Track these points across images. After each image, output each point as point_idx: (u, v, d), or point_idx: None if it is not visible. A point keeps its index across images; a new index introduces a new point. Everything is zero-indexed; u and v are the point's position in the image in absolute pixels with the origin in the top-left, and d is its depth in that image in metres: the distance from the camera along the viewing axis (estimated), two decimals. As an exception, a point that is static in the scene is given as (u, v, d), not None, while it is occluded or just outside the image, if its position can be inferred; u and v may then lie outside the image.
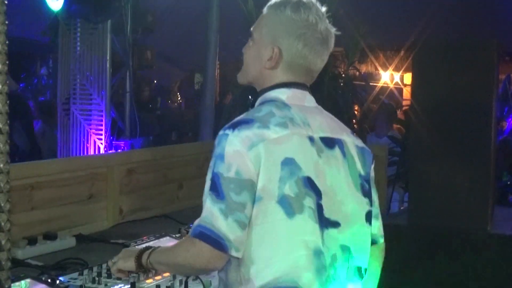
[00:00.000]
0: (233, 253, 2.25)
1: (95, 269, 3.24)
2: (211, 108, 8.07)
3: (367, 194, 2.47)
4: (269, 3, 2.53)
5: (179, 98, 14.24)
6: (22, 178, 3.94)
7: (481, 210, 4.92)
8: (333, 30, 2.51)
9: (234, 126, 2.31)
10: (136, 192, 4.79)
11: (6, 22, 1.30)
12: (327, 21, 2.49)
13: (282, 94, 2.44)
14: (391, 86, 12.50)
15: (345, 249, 2.37)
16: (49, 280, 2.99)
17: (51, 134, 8.21)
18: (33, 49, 13.49)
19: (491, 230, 5.03)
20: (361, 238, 2.44)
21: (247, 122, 2.32)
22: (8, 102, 1.33)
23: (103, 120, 7.36)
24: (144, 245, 2.69)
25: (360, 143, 2.53)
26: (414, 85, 5.29)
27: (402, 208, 6.00)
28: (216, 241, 2.24)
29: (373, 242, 2.56)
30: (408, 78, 14.39)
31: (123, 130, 7.57)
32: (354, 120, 7.08)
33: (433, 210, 4.95)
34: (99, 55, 7.34)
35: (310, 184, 2.29)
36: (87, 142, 7.41)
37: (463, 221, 4.89)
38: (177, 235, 3.95)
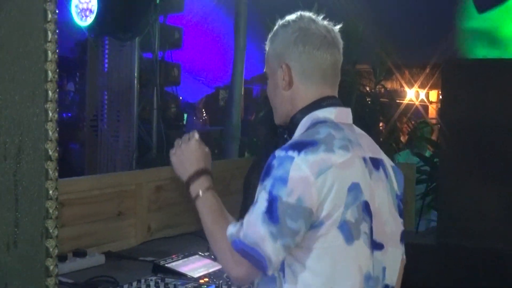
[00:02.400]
0: (270, 272, 2.21)
1: (125, 287, 3.25)
2: (237, 125, 8.08)
3: (401, 214, 2.46)
4: None
5: (204, 115, 14.27)
6: (53, 195, 3.95)
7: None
8: (334, 26, 2.45)
9: (299, 149, 2.20)
10: (164, 209, 4.81)
11: (57, 51, 1.32)
12: (324, 22, 2.44)
13: (330, 114, 2.37)
14: (417, 103, 12.45)
15: (384, 270, 2.35)
16: (80, 298, 3.00)
17: (78, 150, 8.26)
18: (60, 66, 13.59)
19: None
20: (395, 258, 2.42)
21: (312, 145, 2.22)
22: (58, 129, 1.35)
23: (131, 137, 7.38)
24: (201, 168, 2.49)
25: (391, 162, 2.51)
26: (442, 103, 5.26)
27: (430, 227, 5.97)
28: (258, 262, 2.17)
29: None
30: (433, 95, 14.34)
31: (150, 147, 7.59)
32: (381, 139, 7.07)
33: (462, 229, 4.90)
34: (126, 72, 7.38)
35: (366, 208, 2.27)
36: (115, 159, 7.44)
37: (492, 241, 4.84)
38: (206, 253, 3.96)
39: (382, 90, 8.17)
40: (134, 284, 3.30)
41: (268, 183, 2.18)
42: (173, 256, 3.81)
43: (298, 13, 2.45)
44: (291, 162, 2.17)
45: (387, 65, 6.93)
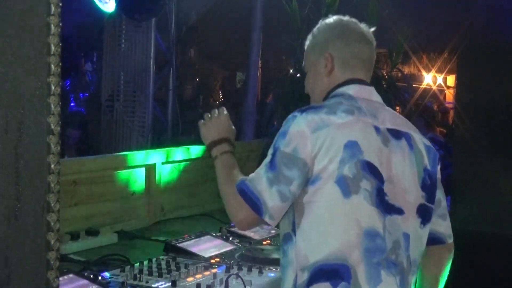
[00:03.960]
0: (267, 219, 2.40)
1: (136, 266, 3.26)
2: (253, 107, 8.08)
3: (426, 188, 2.54)
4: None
5: (220, 96, 14.27)
6: (66, 174, 3.97)
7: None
8: (369, 29, 2.71)
9: (303, 110, 2.45)
10: (178, 189, 4.82)
11: (60, 24, 1.31)
12: (361, 24, 2.71)
13: (349, 89, 2.57)
14: (434, 88, 12.39)
15: (406, 237, 2.46)
16: (91, 276, 3.02)
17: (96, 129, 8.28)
18: (78, 47, 13.63)
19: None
20: (416, 229, 2.52)
21: (315, 108, 2.48)
22: (60, 103, 1.35)
23: (146, 117, 7.40)
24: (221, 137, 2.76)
25: (428, 142, 2.63)
26: (458, 88, 5.24)
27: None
28: (254, 204, 2.40)
29: (441, 242, 2.69)
30: (451, 80, 14.26)
31: (165, 128, 7.61)
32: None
33: (476, 215, 4.89)
34: (143, 52, 7.38)
35: (370, 168, 2.40)
36: (130, 139, 7.46)
37: (507, 226, 4.82)
38: (218, 234, 3.97)
39: (399, 74, 8.13)
40: (146, 263, 3.30)
41: (275, 139, 2.46)
42: (185, 236, 3.81)
43: (337, 16, 2.72)
44: (293, 120, 2.43)
45: (404, 49, 6.87)
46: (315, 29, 2.74)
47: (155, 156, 4.65)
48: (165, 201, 4.69)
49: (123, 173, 4.41)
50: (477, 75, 5.03)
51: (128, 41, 7.50)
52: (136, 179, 4.48)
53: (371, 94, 2.59)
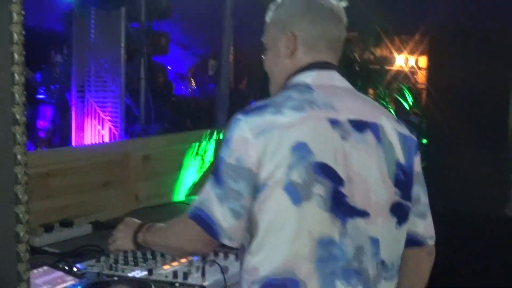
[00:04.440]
0: (226, 241, 2.20)
1: (112, 256, 3.24)
2: (226, 94, 8.02)
3: (400, 184, 2.27)
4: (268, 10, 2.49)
5: (193, 84, 14.20)
6: (39, 166, 3.94)
7: (500, 194, 4.86)
8: (339, 3, 2.42)
9: (247, 111, 2.22)
10: (152, 178, 4.80)
11: (23, 12, 1.28)
12: None
13: (307, 77, 2.31)
14: (406, 70, 12.38)
15: (374, 242, 2.22)
16: (66, 268, 2.99)
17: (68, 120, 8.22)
18: (48, 39, 13.51)
19: (509, 213, 4.98)
20: (389, 230, 2.27)
21: (260, 108, 2.22)
22: (25, 92, 1.32)
23: (118, 108, 7.34)
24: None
25: (404, 130, 2.34)
26: (430, 70, 5.24)
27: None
28: (210, 227, 2.18)
29: (419, 243, 2.41)
30: (422, 61, 14.28)
31: (138, 117, 7.56)
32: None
33: (451, 195, 4.90)
34: (113, 42, 7.31)
35: (323, 170, 2.15)
36: (102, 130, 7.41)
37: (481, 205, 4.85)
38: (194, 221, 3.94)
39: (372, 57, 8.13)
40: (121, 253, 3.28)
41: (220, 147, 2.25)
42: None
43: None
44: (236, 124, 2.20)
45: (376, 31, 6.87)
46: (278, 2, 2.43)
47: (128, 146, 4.63)
48: (139, 191, 4.66)
49: (96, 164, 4.37)
50: (449, 57, 5.03)
51: (98, 32, 7.42)
52: (110, 169, 4.45)
53: (333, 79, 2.32)
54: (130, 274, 3.01)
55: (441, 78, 5.05)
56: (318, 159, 2.15)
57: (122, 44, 7.28)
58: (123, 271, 3.04)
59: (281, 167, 2.13)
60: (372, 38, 7.04)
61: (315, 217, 2.14)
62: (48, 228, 3.82)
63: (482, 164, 4.86)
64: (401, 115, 7.71)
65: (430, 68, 5.27)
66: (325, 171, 2.15)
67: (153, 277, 2.99)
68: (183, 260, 3.19)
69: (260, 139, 2.14)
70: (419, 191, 2.37)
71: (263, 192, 2.14)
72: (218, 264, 3.03)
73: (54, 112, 7.60)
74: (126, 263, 3.15)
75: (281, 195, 2.13)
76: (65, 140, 7.86)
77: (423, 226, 2.40)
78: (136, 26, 7.52)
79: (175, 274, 2.97)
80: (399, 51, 12.38)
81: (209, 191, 2.20)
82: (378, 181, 2.23)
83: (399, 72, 11.31)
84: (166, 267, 3.11)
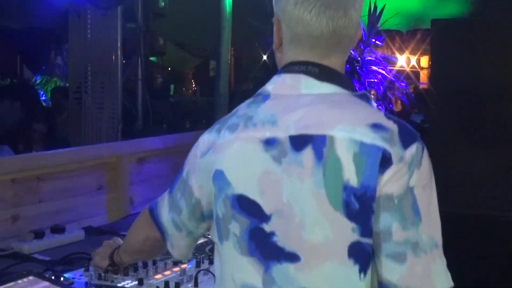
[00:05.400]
0: (169, 247, 2.15)
1: (102, 263, 3.12)
2: (224, 95, 7.92)
3: (355, 216, 1.72)
4: None
5: (193, 85, 14.11)
6: (29, 170, 3.87)
7: (505, 196, 4.73)
8: None
9: (214, 123, 2.01)
10: (148, 181, 4.69)
11: None
12: None
13: (271, 84, 1.91)
14: (408, 69, 12.27)
15: None
16: (53, 277, 2.87)
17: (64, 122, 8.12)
18: (48, 40, 13.46)
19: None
20: (337, 282, 1.75)
21: (217, 123, 1.98)
22: None
23: (116, 109, 7.23)
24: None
25: (369, 139, 1.73)
26: (432, 67, 5.11)
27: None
28: (159, 226, 2.15)
29: None
30: (424, 61, 14.18)
31: (136, 118, 7.45)
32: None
33: (454, 197, 4.77)
34: (110, 42, 7.20)
35: (242, 204, 1.82)
36: (100, 131, 7.29)
37: (485, 208, 4.71)
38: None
39: (374, 57, 8.04)
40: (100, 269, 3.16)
41: None
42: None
43: None
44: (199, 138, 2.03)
45: (377, 29, 6.77)
46: None
47: (122, 148, 4.52)
48: (134, 194, 4.55)
49: (89, 167, 4.27)
50: (451, 53, 4.90)
51: (95, 31, 7.30)
52: (103, 172, 4.34)
53: (298, 85, 1.85)
54: (120, 284, 2.90)
55: (443, 76, 4.91)
56: (236, 191, 1.83)
57: (119, 44, 7.15)
58: (112, 281, 2.92)
59: (210, 196, 1.93)
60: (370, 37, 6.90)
61: (233, 260, 1.86)
62: (39, 235, 3.70)
63: (487, 165, 4.72)
64: (404, 115, 7.62)
65: (432, 66, 5.11)
66: (244, 206, 1.82)
67: (144, 287, 2.88)
68: (176, 269, 3.07)
69: (202, 159, 1.95)
70: (391, 222, 1.72)
71: (209, 221, 2.00)
72: (211, 273, 2.92)
73: (48, 114, 7.48)
74: (115, 272, 3.02)
75: (214, 227, 1.94)
76: (63, 142, 7.76)
77: (399, 273, 1.74)
78: (133, 26, 7.40)
79: (166, 284, 2.85)
80: (401, 51, 12.30)
81: (166, 194, 2.15)
82: (314, 214, 1.74)
83: (400, 72, 11.23)
84: (158, 276, 3.00)
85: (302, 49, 1.88)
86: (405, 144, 1.74)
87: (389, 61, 12.91)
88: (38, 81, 13.90)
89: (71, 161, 4.18)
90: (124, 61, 7.33)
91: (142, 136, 6.72)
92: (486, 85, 4.72)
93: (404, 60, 12.76)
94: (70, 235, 3.85)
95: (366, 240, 1.72)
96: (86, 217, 4.19)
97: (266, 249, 1.79)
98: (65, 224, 3.91)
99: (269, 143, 1.80)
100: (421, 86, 10.57)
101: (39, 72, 15.16)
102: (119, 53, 7.20)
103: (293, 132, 1.78)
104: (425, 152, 1.78)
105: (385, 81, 7.67)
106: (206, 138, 1.96)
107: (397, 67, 12.23)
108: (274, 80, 1.91)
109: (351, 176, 1.71)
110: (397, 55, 12.48)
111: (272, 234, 1.78)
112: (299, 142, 1.77)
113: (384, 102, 7.96)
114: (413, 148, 1.75)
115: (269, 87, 1.90)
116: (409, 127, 1.80)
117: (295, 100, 1.83)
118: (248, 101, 1.93)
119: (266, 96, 1.88)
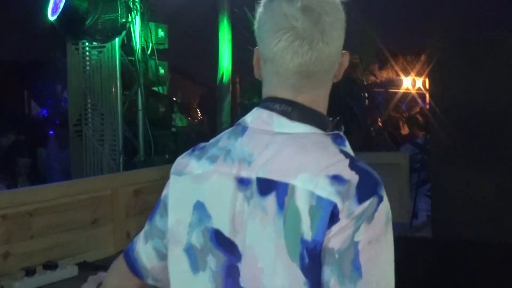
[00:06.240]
0: (151, 282, 2.04)
1: (91, 302, 3.00)
2: (227, 123, 7.87)
3: (307, 270, 1.66)
4: None
5: (199, 115, 14.03)
6: (20, 205, 3.80)
7: (509, 220, 4.58)
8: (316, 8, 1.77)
9: (192, 149, 1.95)
10: (144, 214, 4.57)
11: None
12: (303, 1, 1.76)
13: (250, 116, 1.85)
14: (413, 91, 12.18)
15: None
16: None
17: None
18: (55, 73, 13.49)
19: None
20: None
21: (197, 148, 1.93)
22: None
23: (116, 140, 7.15)
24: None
25: (326, 193, 1.66)
26: (432, 87, 5.00)
27: (428, 218, 5.72)
28: (134, 265, 2.03)
29: None
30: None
31: (137, 150, 7.36)
32: (372, 129, 6.81)
33: (457, 221, 4.63)
34: (108, 73, 7.14)
35: (218, 239, 1.78)
36: (101, 164, 7.21)
37: (488, 232, 4.56)
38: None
39: (374, 79, 7.97)
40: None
41: None
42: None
43: None
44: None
45: (376, 49, 6.69)
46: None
47: (116, 180, 4.44)
48: (130, 227, 4.45)
49: (83, 200, 4.19)
50: (450, 72, 4.80)
51: (93, 63, 7.25)
52: (98, 205, 4.26)
53: (270, 122, 1.79)
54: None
55: (444, 96, 4.79)
56: (215, 225, 1.79)
57: (118, 75, 7.09)
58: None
59: (183, 224, 1.85)
60: (373, 59, 6.82)
61: None
62: (30, 272, 3.63)
63: (491, 188, 4.59)
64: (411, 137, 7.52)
65: (432, 85, 5.01)
66: (220, 241, 1.78)
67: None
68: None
69: (175, 181, 1.90)
70: (330, 277, 1.64)
71: (168, 245, 1.90)
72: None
73: (30, 147, 7.43)
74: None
75: (182, 256, 1.85)
76: (66, 175, 7.72)
77: None
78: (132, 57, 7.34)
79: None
80: (406, 73, 12.20)
81: (144, 228, 2.05)
82: (274, 262, 1.69)
83: (406, 94, 11.14)
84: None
85: (276, 85, 1.83)
86: (360, 199, 1.66)
87: (394, 83, 12.86)
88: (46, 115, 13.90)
89: (64, 195, 4.11)
90: (124, 92, 7.25)
91: (144, 167, 6.64)
92: (486, 103, 4.60)
93: (409, 82, 12.69)
94: (63, 271, 3.79)
95: None
96: (81, 252, 4.11)
97: (225, 284, 1.78)
98: (58, 260, 3.83)
99: (243, 182, 1.77)
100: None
101: (45, 107, 15.19)
102: (118, 84, 7.13)
103: (261, 174, 1.74)
104: (382, 206, 1.68)
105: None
106: (184, 160, 1.91)
107: (402, 90, 12.18)
108: (253, 113, 1.85)
109: (306, 229, 1.66)
110: (402, 77, 12.44)
111: (239, 273, 1.76)
112: (264, 186, 1.73)
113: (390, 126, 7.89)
114: (367, 203, 1.66)
115: (248, 119, 1.85)
116: (372, 178, 1.71)
117: (269, 138, 1.78)
118: (229, 130, 1.89)
119: (245, 129, 1.83)
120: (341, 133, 1.82)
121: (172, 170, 1.92)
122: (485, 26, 7.45)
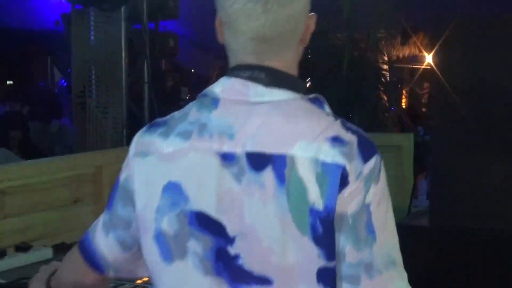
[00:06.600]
0: (111, 273, 1.88)
1: None
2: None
3: (320, 240, 1.59)
4: None
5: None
6: (-7, 183, 3.60)
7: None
8: None
9: (148, 125, 1.80)
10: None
11: None
12: None
13: (218, 86, 1.69)
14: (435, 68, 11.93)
15: None
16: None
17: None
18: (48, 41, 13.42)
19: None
20: None
21: (158, 125, 1.76)
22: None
23: (121, 114, 7.00)
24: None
25: (330, 157, 1.59)
26: (441, 67, 4.72)
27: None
28: (92, 261, 1.87)
29: None
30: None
31: (142, 124, 7.20)
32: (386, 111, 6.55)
33: (458, 209, 4.39)
34: (114, 44, 6.97)
35: (202, 222, 1.65)
36: (104, 136, 7.07)
37: (490, 220, 4.32)
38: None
39: (400, 55, 7.74)
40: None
41: None
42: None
43: None
44: (133, 138, 1.81)
45: (384, 24, 6.44)
46: None
47: (100, 158, 4.26)
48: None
49: (63, 179, 4.01)
50: (461, 53, 4.53)
51: (98, 33, 7.06)
52: (80, 184, 4.08)
53: (247, 92, 1.66)
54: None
55: (452, 77, 4.52)
56: (196, 207, 1.65)
57: (123, 46, 6.92)
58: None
59: (149, 208, 1.70)
60: (375, 36, 6.55)
61: (193, 281, 1.68)
62: (0, 254, 3.44)
63: (497, 175, 4.34)
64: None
65: (441, 66, 4.73)
66: (206, 224, 1.65)
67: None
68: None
69: (137, 162, 1.75)
70: (345, 243, 1.59)
71: (139, 234, 1.75)
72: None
73: (23, 120, 7.30)
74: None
75: (152, 245, 1.71)
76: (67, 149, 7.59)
77: None
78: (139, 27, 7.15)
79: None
80: (429, 49, 11.90)
81: (100, 216, 1.89)
82: (283, 239, 1.60)
83: (427, 70, 10.86)
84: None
85: (238, 51, 1.70)
86: (365, 158, 1.62)
87: (417, 59, 12.59)
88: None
89: (43, 173, 3.93)
90: (129, 64, 7.08)
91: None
92: (495, 86, 4.34)
93: (431, 59, 12.38)
94: (36, 253, 3.58)
95: (333, 265, 1.61)
96: (60, 232, 3.92)
97: (233, 271, 1.65)
98: (34, 241, 3.66)
99: (226, 158, 1.64)
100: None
101: (65, 76, 15.10)
102: (123, 55, 6.98)
103: (250, 148, 1.63)
104: (382, 164, 1.66)
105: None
106: (145, 139, 1.75)
107: (424, 66, 11.91)
108: (223, 82, 1.70)
109: (316, 198, 1.58)
110: (425, 53, 12.15)
111: (237, 257, 1.64)
112: (257, 161, 1.62)
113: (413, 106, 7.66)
114: (372, 162, 1.62)
115: (217, 89, 1.69)
116: (366, 137, 1.66)
117: (249, 109, 1.66)
118: (195, 103, 1.73)
119: (216, 100, 1.68)
120: (320, 97, 1.72)
121: (132, 151, 1.78)
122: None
